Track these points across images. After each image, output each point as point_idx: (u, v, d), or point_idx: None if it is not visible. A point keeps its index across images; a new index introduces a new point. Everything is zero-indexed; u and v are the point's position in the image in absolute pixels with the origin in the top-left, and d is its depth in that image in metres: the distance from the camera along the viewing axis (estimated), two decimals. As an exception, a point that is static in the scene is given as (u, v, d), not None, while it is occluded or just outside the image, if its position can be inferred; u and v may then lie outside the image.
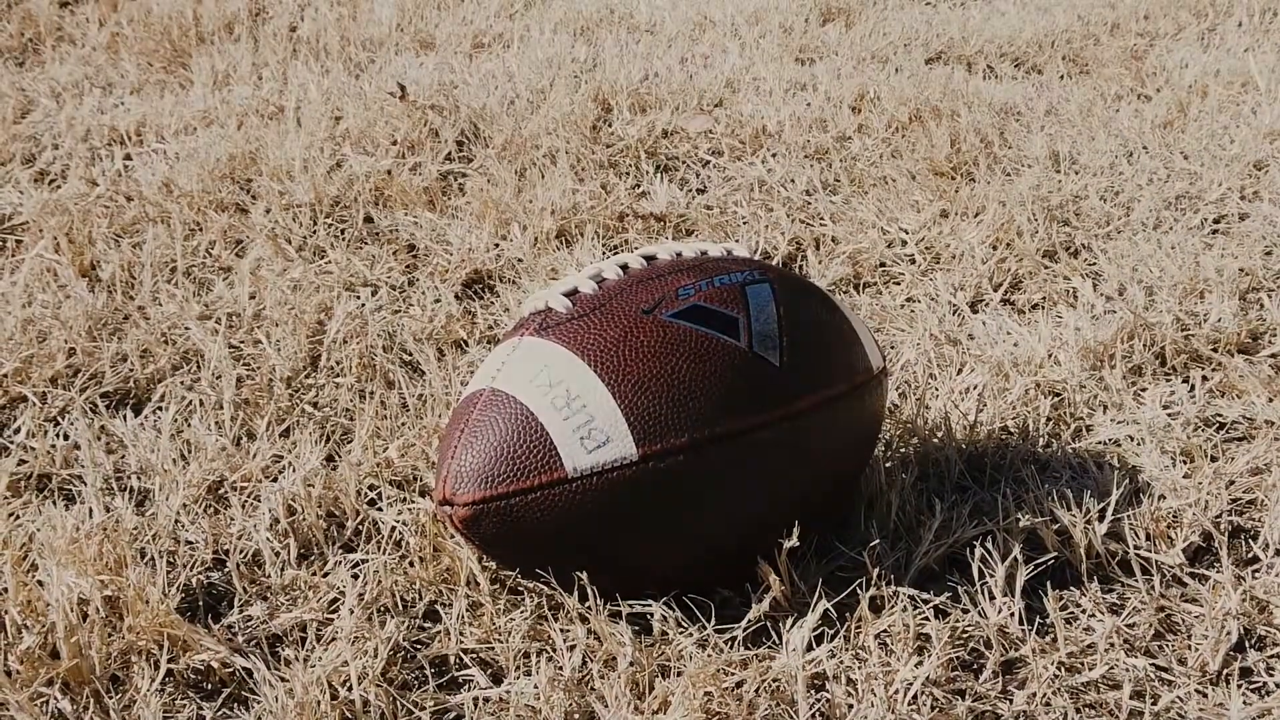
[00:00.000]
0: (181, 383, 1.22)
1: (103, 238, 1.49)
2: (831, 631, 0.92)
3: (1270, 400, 1.18)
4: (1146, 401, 1.18)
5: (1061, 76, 2.04)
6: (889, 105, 1.84)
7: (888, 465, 1.05)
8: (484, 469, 0.89)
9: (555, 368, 0.91)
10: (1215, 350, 1.26)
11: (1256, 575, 0.97)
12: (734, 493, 0.90)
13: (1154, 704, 0.87)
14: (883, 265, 1.43)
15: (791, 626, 0.90)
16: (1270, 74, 1.93)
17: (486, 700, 0.87)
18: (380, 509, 1.04)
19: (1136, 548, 1.00)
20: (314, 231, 1.52)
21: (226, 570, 0.98)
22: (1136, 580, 0.97)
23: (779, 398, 0.92)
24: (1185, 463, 1.10)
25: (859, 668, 0.88)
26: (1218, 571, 0.97)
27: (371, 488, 1.06)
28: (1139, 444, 1.12)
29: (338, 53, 2.12)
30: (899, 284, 1.41)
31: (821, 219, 1.54)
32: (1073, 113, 1.85)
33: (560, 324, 0.93)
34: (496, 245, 1.48)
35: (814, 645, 0.90)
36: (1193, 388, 1.20)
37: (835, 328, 0.98)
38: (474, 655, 0.91)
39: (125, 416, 1.17)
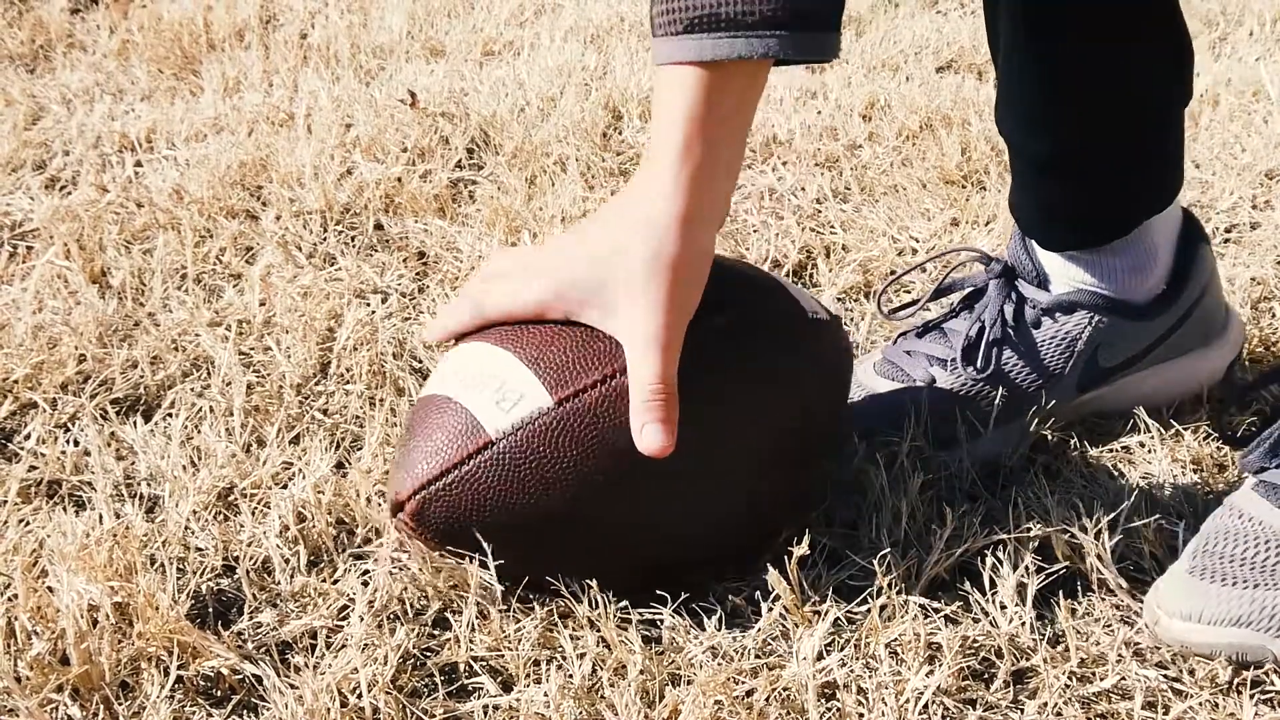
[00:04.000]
0: (192, 389, 1.22)
1: (113, 244, 1.49)
2: (842, 640, 0.92)
3: (1282, 410, 1.18)
4: (1157, 410, 1.17)
5: (1072, 85, 2.04)
6: (900, 113, 1.84)
7: (898, 473, 1.05)
8: (416, 461, 0.91)
9: (464, 356, 0.94)
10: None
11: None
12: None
13: (1165, 714, 0.87)
14: (893, 273, 1.43)
15: (802, 635, 0.90)
16: (1281, 83, 1.93)
17: (496, 708, 0.87)
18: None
19: (1151, 555, 1.00)
20: (324, 239, 1.52)
21: (236, 577, 0.98)
22: (1148, 589, 0.96)
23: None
24: (1195, 470, 1.10)
25: (869, 676, 0.88)
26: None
27: (381, 494, 1.06)
28: (1150, 451, 1.12)
29: (348, 60, 2.12)
30: (909, 292, 1.40)
31: (832, 227, 1.54)
32: (1083, 121, 1.85)
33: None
34: (506, 252, 1.47)
35: (824, 654, 0.90)
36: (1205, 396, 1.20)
37: (752, 270, 1.01)
38: (484, 663, 0.91)
39: (135, 423, 1.17)
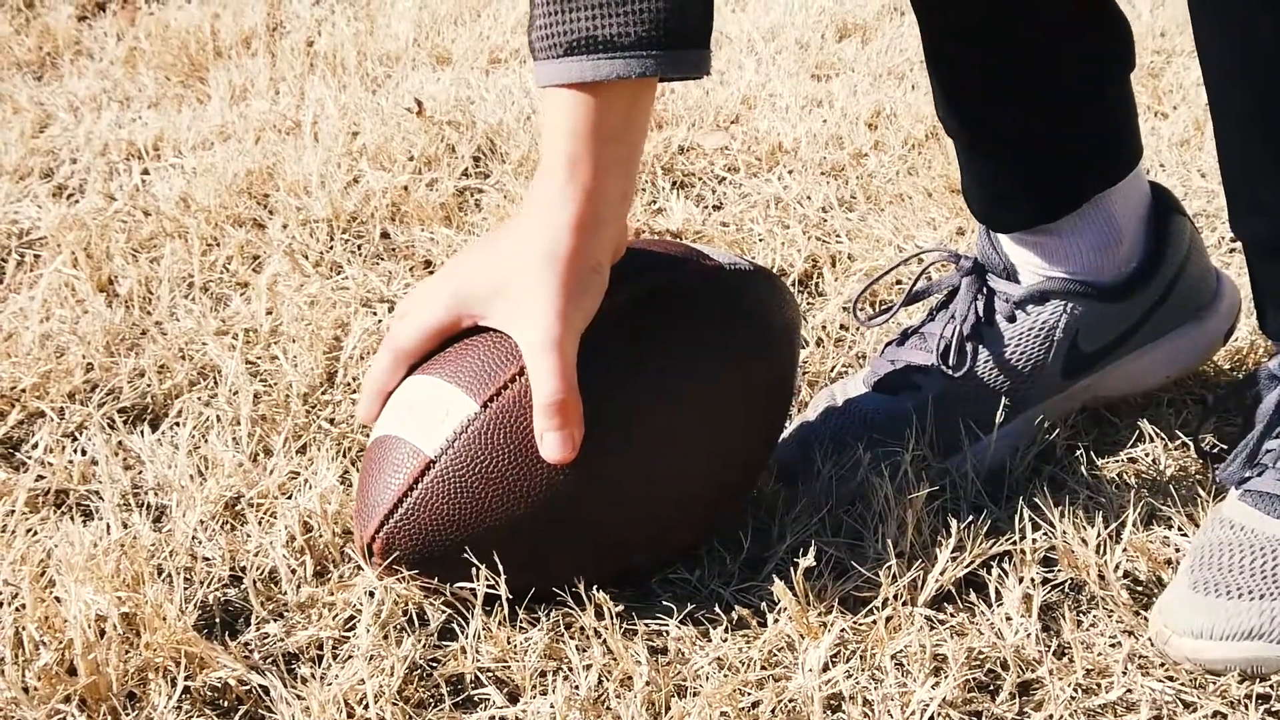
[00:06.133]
0: (199, 399, 1.22)
1: (120, 253, 1.49)
2: (847, 652, 0.92)
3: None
4: (1164, 419, 1.17)
5: (1078, 93, 2.04)
6: (905, 122, 1.84)
7: (903, 483, 1.05)
8: (371, 501, 0.93)
9: (395, 397, 0.96)
10: (1234, 370, 1.26)
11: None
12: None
13: (1171, 727, 0.87)
14: (899, 283, 1.43)
15: (807, 646, 0.90)
16: (1287, 91, 1.93)
17: (503, 719, 0.87)
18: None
19: (1154, 568, 1.00)
20: (331, 247, 1.52)
21: (243, 587, 0.98)
22: (1152, 601, 0.96)
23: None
24: (1200, 482, 1.09)
25: (875, 688, 0.88)
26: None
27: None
28: (1154, 462, 1.12)
29: (355, 68, 2.12)
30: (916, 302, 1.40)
31: (838, 236, 1.54)
32: (1089, 130, 1.85)
33: None
34: (513, 261, 1.48)
35: (830, 665, 0.90)
36: (1211, 405, 1.20)
37: (661, 242, 1.04)
38: (490, 674, 0.91)
39: (143, 432, 1.17)
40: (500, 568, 0.92)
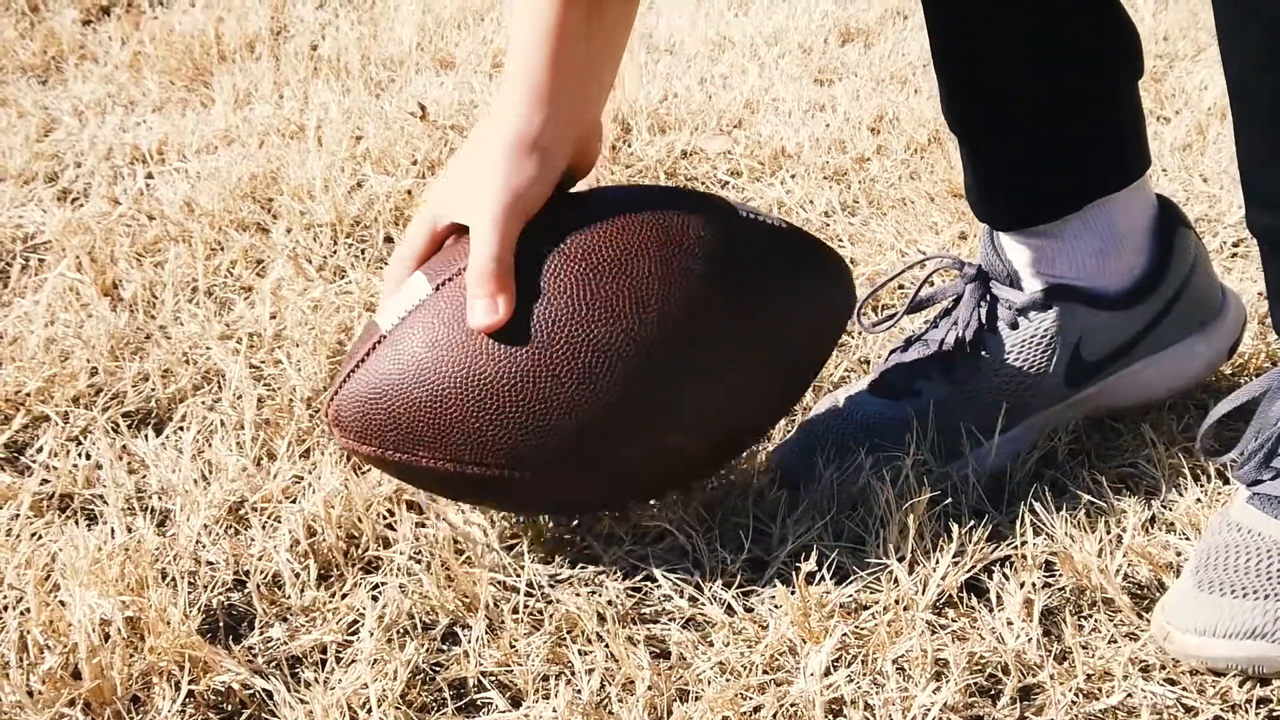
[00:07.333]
0: (202, 403, 1.22)
1: (125, 257, 1.50)
2: (849, 656, 0.92)
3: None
4: (1166, 425, 1.18)
5: (1080, 97, 2.04)
6: (908, 127, 1.84)
7: (904, 488, 1.05)
8: (336, 377, 0.99)
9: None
10: (1236, 376, 1.26)
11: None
12: (527, 294, 0.94)
13: (1172, 731, 0.87)
14: (902, 287, 1.44)
15: (809, 651, 0.91)
16: (1290, 96, 1.93)
17: (505, 723, 0.88)
18: (398, 530, 1.04)
19: (1156, 571, 1.00)
20: (334, 251, 1.53)
21: (247, 591, 0.98)
22: (1154, 606, 0.97)
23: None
24: (1202, 487, 1.10)
25: (877, 693, 0.89)
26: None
27: (390, 513, 1.06)
28: (1156, 467, 1.12)
29: (358, 72, 2.13)
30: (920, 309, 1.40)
31: (840, 240, 1.55)
32: (1091, 134, 1.85)
33: None
34: (516, 266, 1.48)
35: (831, 670, 0.90)
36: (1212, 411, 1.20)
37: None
38: (493, 678, 0.91)
39: (147, 436, 1.17)
40: (451, 451, 0.95)
